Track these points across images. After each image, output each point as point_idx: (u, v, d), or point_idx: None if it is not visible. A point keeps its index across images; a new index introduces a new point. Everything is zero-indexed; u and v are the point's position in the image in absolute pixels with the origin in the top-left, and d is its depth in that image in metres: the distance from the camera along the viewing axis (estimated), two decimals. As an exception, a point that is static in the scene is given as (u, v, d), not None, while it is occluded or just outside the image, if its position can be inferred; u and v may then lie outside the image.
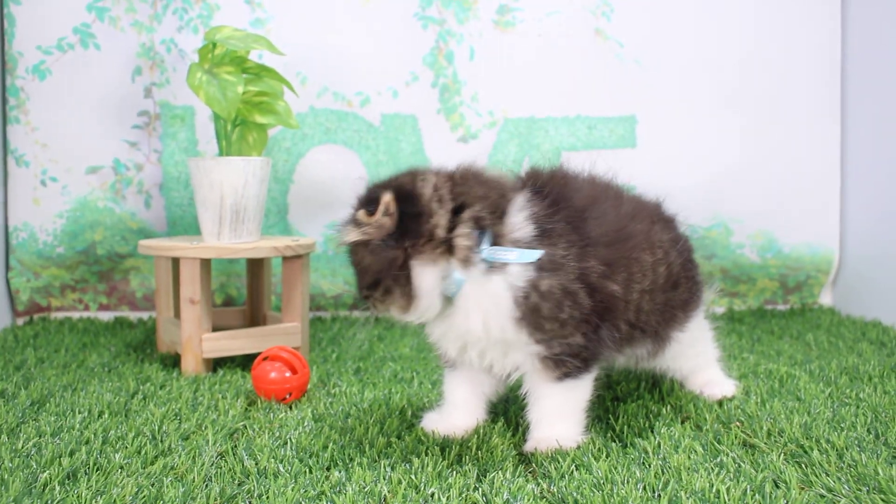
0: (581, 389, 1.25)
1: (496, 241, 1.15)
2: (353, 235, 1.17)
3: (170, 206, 2.31)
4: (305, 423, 1.37)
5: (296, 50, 2.21)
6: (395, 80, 2.34)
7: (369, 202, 1.15)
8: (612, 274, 1.19)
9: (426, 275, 1.14)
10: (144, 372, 1.73)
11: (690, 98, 2.40)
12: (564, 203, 1.20)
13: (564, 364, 1.20)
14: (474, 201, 1.15)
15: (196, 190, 1.83)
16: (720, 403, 1.46)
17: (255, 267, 2.05)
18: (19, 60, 2.23)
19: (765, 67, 2.41)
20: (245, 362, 1.84)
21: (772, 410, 1.41)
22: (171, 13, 2.28)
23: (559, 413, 1.25)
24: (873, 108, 2.35)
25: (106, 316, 2.41)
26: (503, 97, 2.37)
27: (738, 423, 1.35)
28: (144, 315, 2.42)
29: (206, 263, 1.78)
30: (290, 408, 1.46)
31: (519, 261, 1.13)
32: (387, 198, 1.13)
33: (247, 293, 2.10)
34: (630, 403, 1.46)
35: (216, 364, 1.81)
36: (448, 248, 1.14)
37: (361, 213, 1.15)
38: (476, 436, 1.28)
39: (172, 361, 1.85)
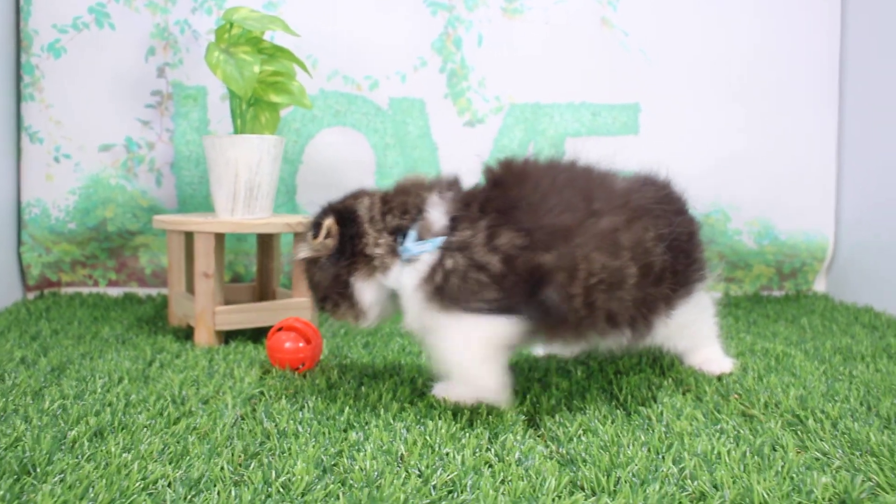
0: (486, 326, 1.23)
1: (422, 238, 1.27)
2: (304, 253, 1.34)
3: (180, 184, 2.35)
4: (321, 390, 1.41)
5: (307, 33, 2.25)
6: (403, 64, 2.39)
7: (315, 225, 1.32)
8: (536, 252, 1.21)
9: (366, 289, 1.30)
10: (158, 343, 1.78)
11: (692, 87, 2.45)
12: (491, 195, 1.28)
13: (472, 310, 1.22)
14: (391, 211, 1.31)
15: (211, 167, 1.87)
16: (719, 378, 1.51)
17: (266, 244, 2.09)
18: (35, 38, 2.27)
19: (765, 59, 2.46)
20: (256, 335, 1.89)
21: (769, 385, 1.46)
22: (184, -5, 2.33)
23: (461, 361, 1.28)
24: (870, 100, 2.40)
25: (115, 292, 2.46)
26: (510, 83, 2.42)
27: (736, 396, 1.40)
28: (153, 291, 2.46)
29: (220, 238, 1.82)
30: (304, 376, 1.51)
31: (431, 249, 1.25)
32: (328, 221, 1.30)
33: (256, 269, 2.14)
34: (633, 376, 1.51)
35: (228, 336, 1.86)
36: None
37: (309, 236, 1.32)
38: (485, 403, 1.33)
39: (185, 334, 1.89)
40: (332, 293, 1.32)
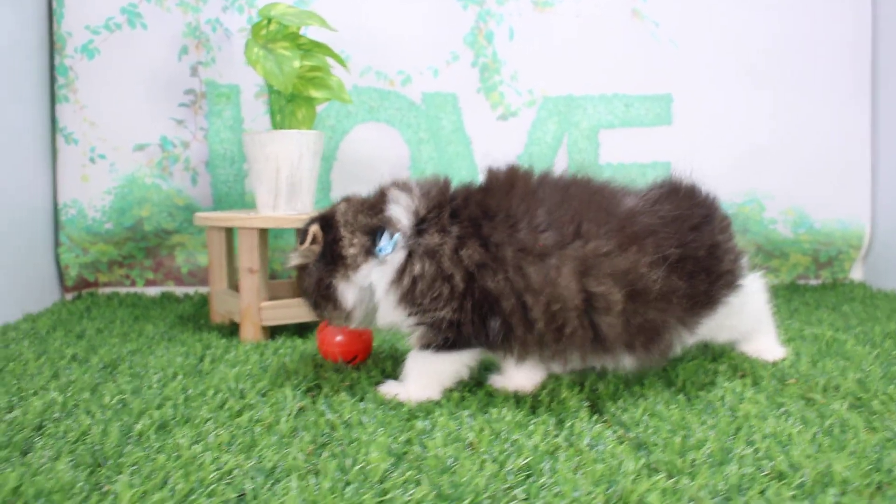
0: (441, 362, 1.32)
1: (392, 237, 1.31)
2: (294, 261, 1.40)
3: (216, 182, 2.35)
4: (378, 381, 1.41)
5: (338, 29, 2.25)
6: (435, 59, 2.39)
7: (302, 233, 1.38)
8: (494, 272, 1.24)
9: (346, 290, 1.34)
10: (205, 340, 1.78)
11: (725, 76, 2.45)
12: (471, 199, 1.31)
13: (431, 336, 1.30)
14: (362, 210, 1.36)
15: (251, 163, 1.87)
16: (773, 363, 1.51)
17: (305, 240, 2.09)
18: (68, 40, 2.28)
19: (797, 45, 2.46)
20: (300, 330, 1.89)
21: (824, 369, 1.45)
22: (216, -7, 2.33)
23: (409, 373, 1.34)
24: (904, 86, 2.39)
25: (152, 291, 2.46)
26: (542, 76, 2.42)
27: (793, 380, 1.39)
28: (190, 290, 2.47)
29: (263, 234, 1.82)
30: (358, 368, 1.50)
31: (391, 247, 1.29)
32: (314, 228, 1.36)
33: (296, 266, 2.14)
34: (687, 363, 1.51)
35: (273, 332, 1.86)
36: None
37: (297, 244, 1.39)
38: (545, 390, 1.33)
39: (229, 331, 1.89)
40: (318, 296, 1.37)
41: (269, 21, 1.84)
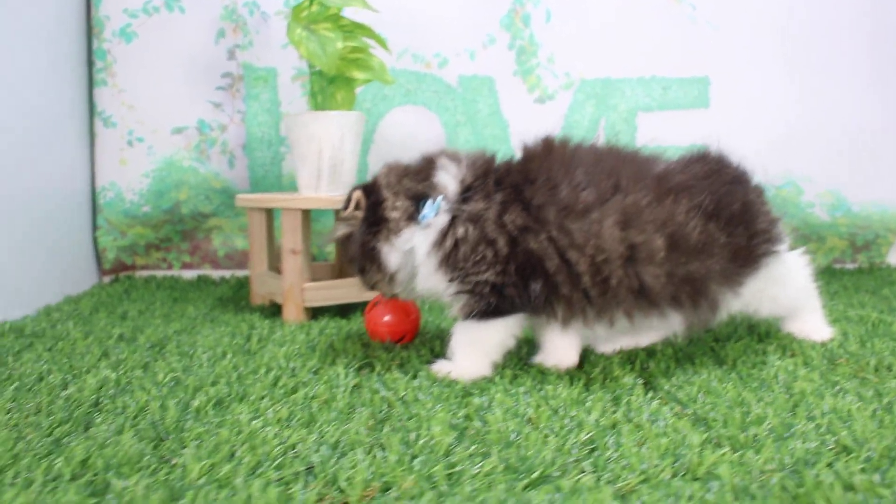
0: (488, 330, 1.33)
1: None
2: (339, 231, 1.41)
3: (253, 165, 2.36)
4: (428, 360, 1.41)
5: (378, 10, 2.25)
6: (472, 41, 2.38)
7: (345, 199, 1.38)
8: (536, 234, 1.25)
9: (389, 253, 1.34)
10: (247, 320, 1.78)
11: (762, 59, 2.43)
12: (513, 167, 1.33)
13: (473, 303, 1.30)
14: (407, 175, 1.36)
15: (293, 144, 1.87)
16: (822, 343, 1.50)
17: (346, 221, 2.10)
18: (106, 24, 2.28)
19: (834, 26, 2.44)
20: (342, 312, 1.90)
21: (874, 349, 1.45)
22: (253, -24, 2.33)
23: (457, 348, 1.35)
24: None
25: (189, 274, 2.47)
26: (579, 59, 2.41)
27: (843, 360, 1.38)
28: (226, 273, 2.48)
29: (306, 215, 1.83)
30: (407, 348, 1.51)
31: (434, 211, 1.30)
32: (356, 194, 1.37)
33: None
34: (735, 343, 1.51)
35: (315, 313, 1.87)
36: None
37: (340, 211, 1.39)
38: (598, 368, 1.33)
39: (270, 312, 1.90)
40: (363, 260, 1.37)
41: (311, 2, 1.84)
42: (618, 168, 1.29)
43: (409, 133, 2.36)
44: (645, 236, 1.23)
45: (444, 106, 2.37)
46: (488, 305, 1.29)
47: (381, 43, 1.91)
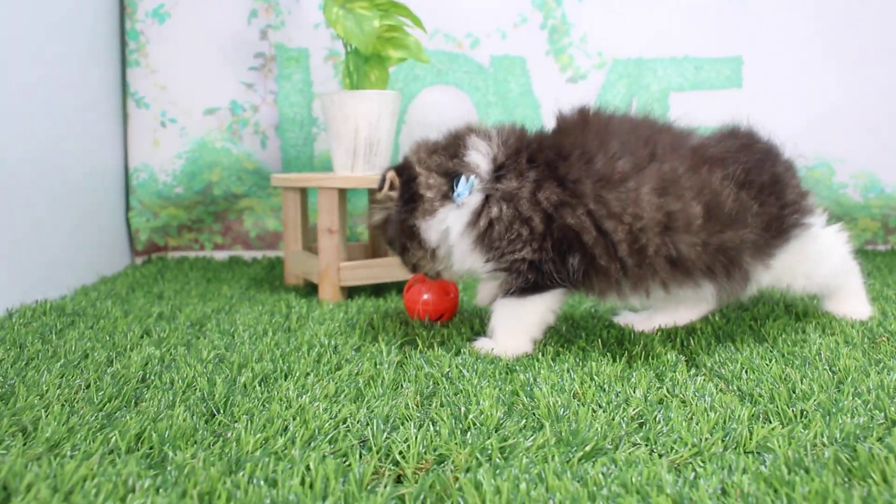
0: (527, 306, 1.34)
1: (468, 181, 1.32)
2: (376, 217, 1.42)
3: (285, 146, 2.36)
4: (468, 338, 1.42)
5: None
6: (504, 21, 2.38)
7: (380, 180, 1.39)
8: (573, 208, 1.25)
9: (429, 229, 1.34)
10: (283, 299, 1.79)
11: (795, 38, 2.42)
12: (546, 143, 1.32)
13: (512, 280, 1.32)
14: (437, 151, 1.37)
15: (329, 124, 1.88)
16: (862, 322, 1.50)
17: (379, 202, 2.10)
18: (139, 5, 2.29)
19: (868, 5, 2.42)
20: (377, 291, 1.91)
21: (915, 327, 1.45)
22: (285, -43, 2.33)
23: (497, 325, 1.36)
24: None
25: (220, 255, 2.48)
26: (612, 38, 2.40)
27: (884, 338, 1.38)
28: (258, 254, 2.49)
29: (342, 194, 1.83)
30: (447, 325, 1.51)
31: (467, 191, 1.30)
32: (389, 174, 1.38)
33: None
34: (773, 322, 1.51)
35: (350, 292, 1.87)
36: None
37: (374, 193, 1.40)
38: (639, 346, 1.34)
39: (306, 292, 1.91)
40: (403, 238, 1.38)
41: (346, -19, 1.84)
42: (654, 137, 1.29)
43: (440, 113, 2.36)
44: (682, 203, 1.24)
45: (476, 86, 2.37)
46: (526, 282, 1.30)
47: (417, 22, 1.90)
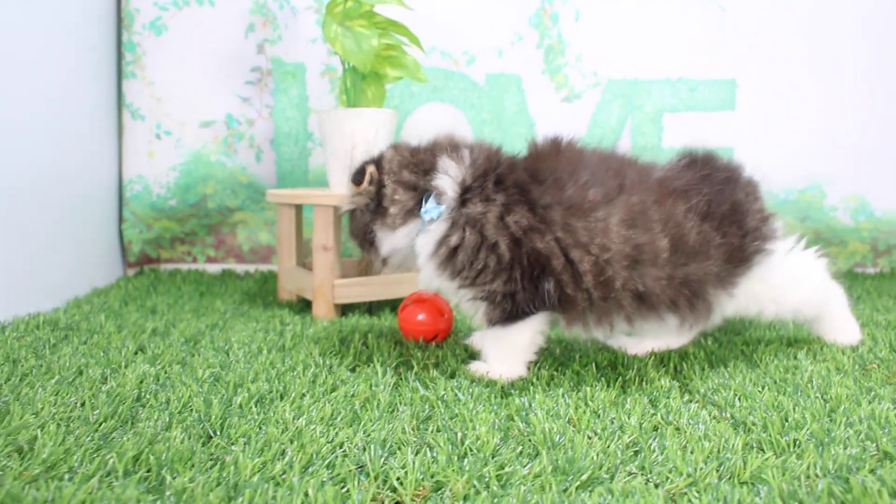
0: (513, 334, 1.33)
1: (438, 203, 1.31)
2: (347, 206, 1.41)
3: (280, 160, 2.37)
4: (464, 360, 1.43)
5: (411, 9, 2.26)
6: (500, 40, 2.39)
7: (359, 173, 1.38)
8: (542, 234, 1.25)
9: (385, 239, 1.36)
10: (277, 316, 1.80)
11: (788, 63, 2.43)
12: (517, 165, 1.32)
13: (491, 311, 1.32)
14: (408, 166, 1.36)
15: (326, 140, 1.88)
16: (853, 348, 1.51)
17: (372, 219, 2.11)
18: (136, 17, 2.29)
19: (860, 31, 2.44)
20: (370, 309, 1.91)
21: (906, 355, 1.46)
22: (283, -28, 2.34)
23: (489, 352, 1.36)
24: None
25: (213, 268, 2.48)
26: (607, 58, 2.42)
27: (874, 365, 1.39)
28: (251, 268, 2.49)
29: (337, 211, 1.83)
30: (441, 346, 1.52)
31: (434, 216, 1.30)
32: (371, 168, 1.37)
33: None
34: (766, 346, 1.52)
35: (343, 310, 1.88)
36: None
37: (352, 186, 1.39)
38: (632, 370, 1.34)
39: (299, 308, 1.91)
40: (363, 239, 1.40)
41: (346, -1, 1.85)
42: (623, 170, 1.31)
43: (435, 131, 2.36)
44: (650, 237, 1.25)
45: (471, 103, 2.38)
46: (504, 312, 1.31)
47: (415, 41, 1.91)
